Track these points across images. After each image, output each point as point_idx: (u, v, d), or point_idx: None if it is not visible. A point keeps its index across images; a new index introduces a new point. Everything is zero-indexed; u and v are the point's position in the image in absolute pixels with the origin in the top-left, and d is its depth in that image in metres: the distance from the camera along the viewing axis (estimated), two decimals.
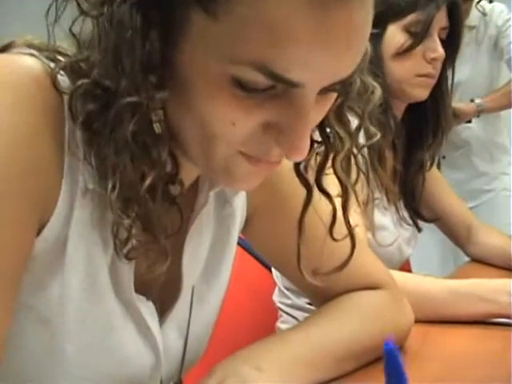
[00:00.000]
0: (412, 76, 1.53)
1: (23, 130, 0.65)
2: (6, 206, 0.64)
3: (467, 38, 2.74)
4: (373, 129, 0.89)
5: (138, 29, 0.63)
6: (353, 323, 1.00)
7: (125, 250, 0.71)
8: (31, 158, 0.66)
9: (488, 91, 2.85)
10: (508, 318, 1.24)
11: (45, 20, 0.68)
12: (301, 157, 0.68)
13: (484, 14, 2.80)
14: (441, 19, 1.52)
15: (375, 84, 0.83)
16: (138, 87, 0.64)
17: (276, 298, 1.68)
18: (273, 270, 1.66)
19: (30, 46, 0.72)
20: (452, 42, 1.57)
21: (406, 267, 2.68)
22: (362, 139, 0.89)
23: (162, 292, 0.83)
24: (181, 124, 0.69)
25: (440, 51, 1.52)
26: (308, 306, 1.58)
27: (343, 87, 0.70)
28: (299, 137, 0.66)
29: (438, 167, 2.85)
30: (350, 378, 0.97)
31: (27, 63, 0.68)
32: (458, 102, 2.70)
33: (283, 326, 1.65)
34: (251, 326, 1.66)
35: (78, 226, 0.71)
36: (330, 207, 0.85)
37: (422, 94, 1.56)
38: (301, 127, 0.66)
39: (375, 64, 1.47)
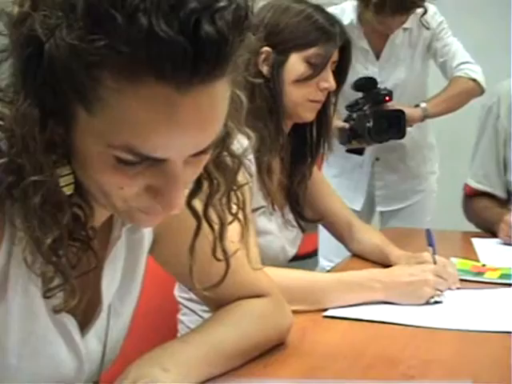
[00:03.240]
0: (306, 101, 1.74)
1: None
2: None
3: (401, 39, 2.82)
4: (248, 169, 1.08)
5: (37, 120, 0.79)
6: (241, 326, 1.19)
7: (44, 290, 0.90)
8: None
9: (423, 93, 2.90)
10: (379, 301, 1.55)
11: None
12: (176, 211, 0.86)
13: (428, 28, 2.78)
14: (335, 54, 1.74)
15: (250, 133, 1.01)
16: (41, 167, 0.80)
17: (176, 292, 1.87)
18: None
19: None
20: (340, 75, 1.79)
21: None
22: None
23: (86, 309, 1.02)
24: (87, 183, 0.86)
25: (332, 83, 1.74)
26: None
27: (217, 144, 0.88)
28: (173, 197, 0.84)
29: (372, 168, 2.94)
30: (237, 372, 1.15)
31: None
32: (398, 105, 2.70)
33: (183, 318, 1.84)
34: (156, 318, 1.84)
35: (16, 265, 0.89)
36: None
37: (310, 116, 1.78)
38: (173, 190, 0.83)
39: (275, 86, 1.69)
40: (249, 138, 1.02)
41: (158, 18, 0.71)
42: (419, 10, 2.69)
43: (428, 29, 2.79)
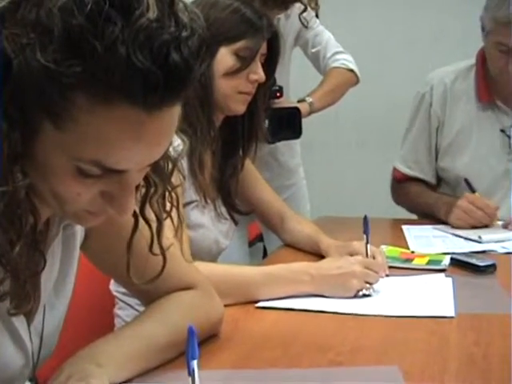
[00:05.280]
0: (236, 93, 1.76)
1: None
2: None
3: None
4: (181, 171, 1.13)
5: (5, 133, 0.83)
6: (172, 318, 1.22)
7: None
8: None
9: (288, 87, 2.64)
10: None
11: None
12: (128, 215, 0.94)
13: (306, 26, 2.66)
14: (263, 47, 1.78)
15: (184, 138, 1.05)
16: (5, 178, 0.84)
17: (112, 287, 1.89)
18: None
19: None
20: (269, 67, 1.83)
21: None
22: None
23: None
24: (42, 189, 0.90)
25: (261, 74, 1.77)
26: None
27: None
28: (127, 202, 0.92)
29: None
30: (171, 364, 1.18)
31: None
32: (285, 102, 2.49)
33: (119, 312, 1.86)
34: (92, 313, 1.85)
35: None
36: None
37: (241, 108, 1.80)
38: (128, 196, 0.91)
39: (205, 80, 1.70)
40: (183, 141, 1.06)
41: (134, 49, 0.79)
42: (298, 5, 2.57)
43: (306, 27, 2.68)
